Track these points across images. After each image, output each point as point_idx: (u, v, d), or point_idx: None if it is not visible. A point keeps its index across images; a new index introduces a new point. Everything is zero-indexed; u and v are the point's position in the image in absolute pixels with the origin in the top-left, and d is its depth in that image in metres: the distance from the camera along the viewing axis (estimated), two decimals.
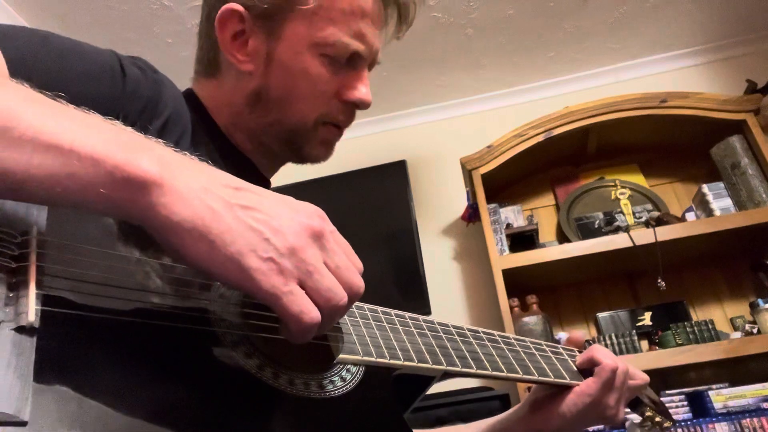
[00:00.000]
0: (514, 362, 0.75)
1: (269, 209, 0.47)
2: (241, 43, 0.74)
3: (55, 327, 0.41)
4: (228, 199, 0.45)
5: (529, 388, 0.93)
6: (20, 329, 0.38)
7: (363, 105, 0.78)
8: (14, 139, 0.38)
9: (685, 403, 1.89)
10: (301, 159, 0.81)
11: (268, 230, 0.45)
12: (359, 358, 0.58)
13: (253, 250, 0.44)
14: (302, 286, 0.46)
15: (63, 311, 0.42)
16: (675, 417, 1.85)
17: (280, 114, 0.76)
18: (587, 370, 0.82)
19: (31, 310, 0.39)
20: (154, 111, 0.66)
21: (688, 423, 1.83)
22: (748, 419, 1.79)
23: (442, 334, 0.71)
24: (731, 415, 1.81)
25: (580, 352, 0.87)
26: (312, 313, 0.46)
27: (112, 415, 0.40)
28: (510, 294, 2.12)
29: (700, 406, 1.88)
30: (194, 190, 0.44)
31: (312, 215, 0.49)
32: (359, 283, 0.50)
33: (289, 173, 2.66)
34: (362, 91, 0.77)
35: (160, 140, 0.47)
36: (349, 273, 0.49)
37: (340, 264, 0.49)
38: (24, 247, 0.42)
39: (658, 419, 0.89)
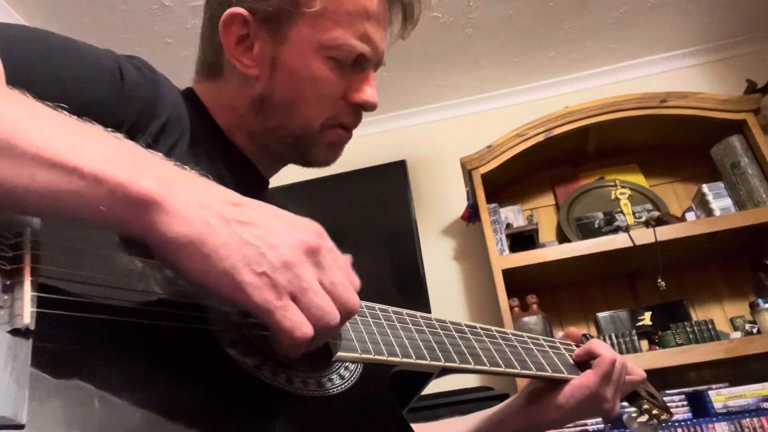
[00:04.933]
0: (511, 357, 0.75)
1: (266, 224, 0.47)
2: (245, 47, 0.73)
3: (50, 328, 0.41)
4: (225, 214, 0.46)
5: None
6: (15, 332, 0.38)
7: (369, 106, 0.77)
8: (17, 156, 0.39)
9: (685, 403, 1.89)
10: (307, 162, 0.80)
11: (263, 245, 0.46)
12: (357, 355, 0.58)
13: (247, 264, 0.45)
14: (295, 302, 0.46)
15: (58, 312, 0.42)
16: (675, 417, 1.85)
17: (285, 118, 0.75)
18: (585, 363, 0.82)
19: (26, 312, 0.39)
20: (152, 112, 0.66)
21: (688, 423, 1.83)
22: (748, 419, 1.78)
23: (439, 330, 0.71)
24: (731, 415, 1.80)
25: (577, 346, 0.88)
26: (304, 328, 0.46)
27: (109, 416, 0.40)
28: (510, 294, 2.12)
29: (700, 406, 1.88)
30: (192, 206, 0.44)
31: (309, 231, 0.49)
32: (354, 300, 0.50)
33: (290, 173, 2.66)
34: (368, 92, 0.76)
35: (160, 154, 0.47)
36: (344, 290, 0.49)
37: (335, 280, 0.49)
38: (18, 249, 0.42)
39: (655, 412, 0.89)
